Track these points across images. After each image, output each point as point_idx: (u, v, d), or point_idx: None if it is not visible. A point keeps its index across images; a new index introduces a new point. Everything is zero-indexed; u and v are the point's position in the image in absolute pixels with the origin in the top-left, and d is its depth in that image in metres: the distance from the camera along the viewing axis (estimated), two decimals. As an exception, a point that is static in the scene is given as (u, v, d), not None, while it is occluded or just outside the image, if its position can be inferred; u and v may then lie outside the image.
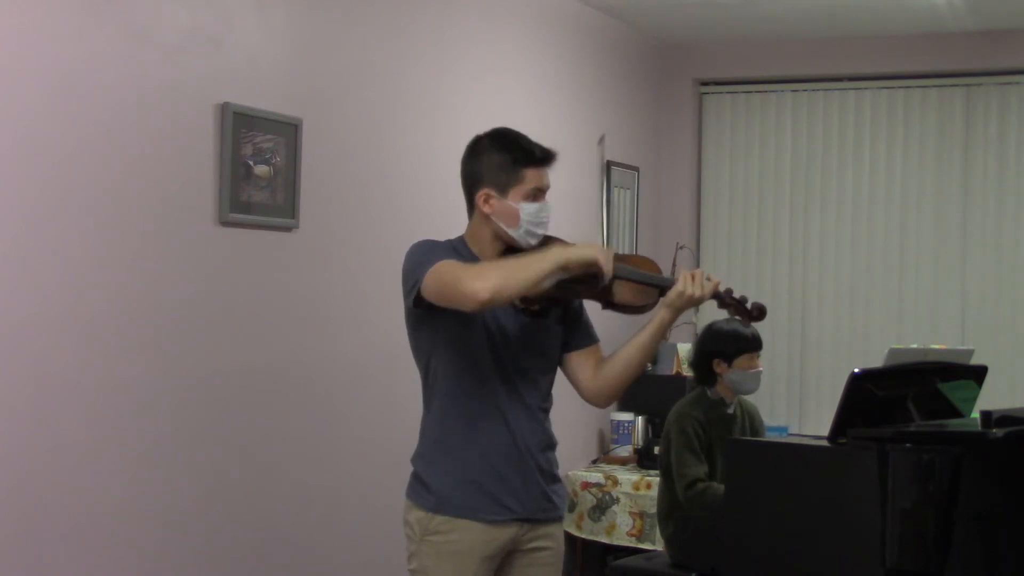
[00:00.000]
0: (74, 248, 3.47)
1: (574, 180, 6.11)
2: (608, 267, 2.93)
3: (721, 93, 7.25)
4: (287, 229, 4.25)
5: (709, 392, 4.88)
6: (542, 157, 3.06)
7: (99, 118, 3.53)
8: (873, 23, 6.53)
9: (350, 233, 4.58)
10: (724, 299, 3.08)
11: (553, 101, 6.04)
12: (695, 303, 3.04)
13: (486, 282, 2.80)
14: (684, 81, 7.22)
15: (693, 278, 3.02)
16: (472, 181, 3.09)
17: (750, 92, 7.16)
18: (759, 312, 3.11)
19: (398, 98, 4.85)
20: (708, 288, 3.02)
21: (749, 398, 5.09)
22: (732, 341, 4.84)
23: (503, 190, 3.04)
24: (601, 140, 3.49)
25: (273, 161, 4.15)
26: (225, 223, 3.97)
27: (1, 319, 3.26)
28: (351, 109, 4.57)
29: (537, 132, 3.19)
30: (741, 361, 4.83)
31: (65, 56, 3.42)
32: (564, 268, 2.90)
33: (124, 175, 3.62)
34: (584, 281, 2.97)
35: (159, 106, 3.73)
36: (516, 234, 3.04)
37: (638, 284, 3.04)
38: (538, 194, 3.05)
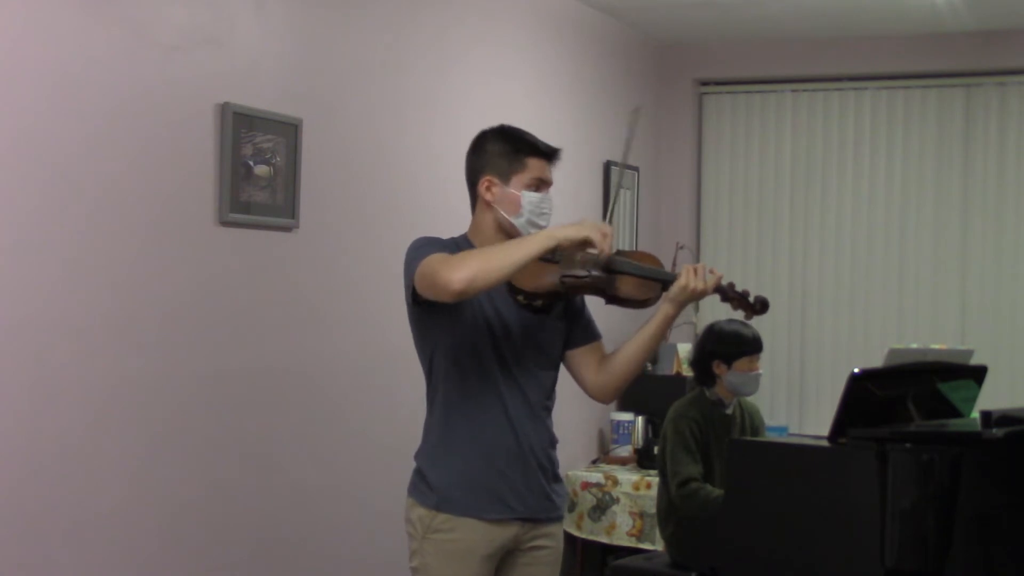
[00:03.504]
0: (74, 248, 3.47)
1: (574, 180, 6.11)
2: (605, 243, 2.87)
3: (721, 93, 7.24)
4: (287, 229, 4.25)
5: (708, 392, 4.87)
6: (546, 150, 3.08)
7: (99, 118, 3.53)
8: (873, 23, 6.53)
9: (350, 233, 4.58)
10: (727, 292, 3.06)
11: (553, 101, 6.04)
12: (698, 297, 3.02)
13: (460, 272, 2.77)
14: (684, 81, 7.22)
15: (695, 272, 3.01)
16: (475, 171, 3.10)
17: (750, 92, 7.16)
18: (762, 305, 3.08)
19: (398, 98, 4.85)
20: (711, 281, 3.01)
21: (749, 398, 5.08)
22: (732, 343, 4.82)
23: (505, 177, 3.04)
24: (636, 111, 3.43)
25: (273, 161, 4.15)
26: (225, 223, 3.97)
27: (1, 319, 3.26)
28: (351, 109, 4.57)
29: (537, 132, 3.18)
30: (741, 363, 4.81)
31: (65, 56, 3.42)
32: (556, 248, 2.86)
33: (124, 175, 3.62)
34: (581, 264, 2.94)
35: (159, 106, 3.73)
36: (518, 223, 3.04)
37: (641, 278, 3.04)
38: (541, 184, 3.06)
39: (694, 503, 4.59)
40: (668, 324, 3.08)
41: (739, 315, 3.19)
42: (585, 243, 2.88)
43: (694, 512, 4.60)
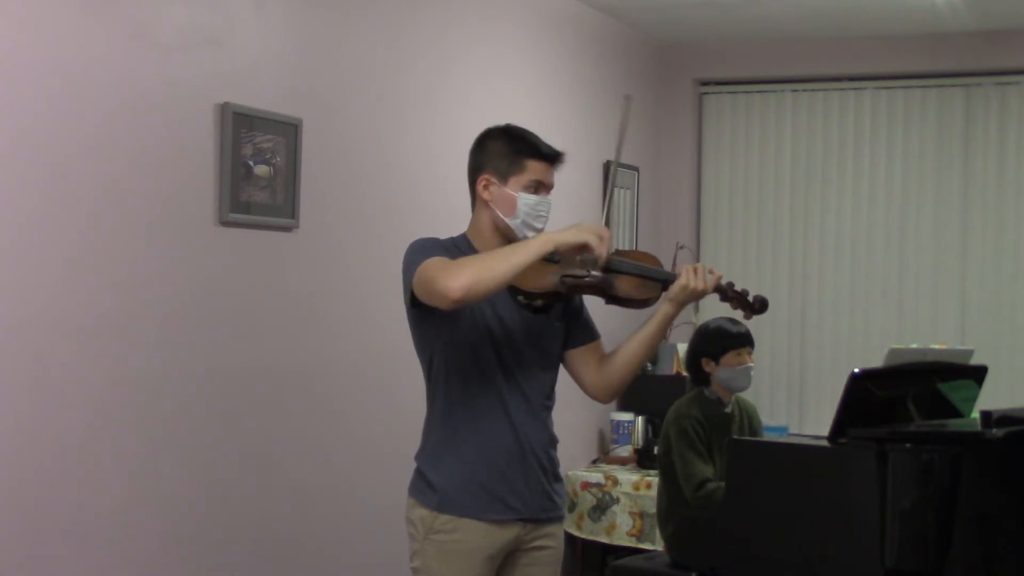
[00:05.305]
0: (74, 248, 3.47)
1: (574, 180, 6.11)
2: (602, 246, 2.88)
3: (721, 93, 7.24)
4: (287, 229, 4.25)
5: (707, 392, 4.88)
6: (548, 153, 3.06)
7: (99, 118, 3.53)
8: (873, 23, 6.53)
9: (350, 233, 4.58)
10: (726, 292, 3.08)
11: (553, 101, 6.04)
12: (698, 296, 3.04)
13: (457, 280, 2.77)
14: (684, 81, 7.22)
15: (695, 272, 3.02)
16: (475, 168, 3.10)
17: (750, 92, 7.16)
18: (761, 305, 3.10)
19: (398, 98, 4.85)
20: (711, 281, 3.02)
21: (748, 398, 5.08)
22: (717, 339, 4.84)
23: (503, 178, 3.04)
24: (627, 99, 3.34)
25: (273, 161, 4.15)
26: (225, 223, 3.97)
27: (1, 319, 3.26)
28: (351, 109, 4.57)
29: (537, 132, 3.18)
30: (728, 358, 4.82)
31: (65, 56, 3.42)
32: (553, 253, 2.87)
33: (124, 175, 3.62)
34: (580, 266, 2.95)
35: (159, 106, 3.73)
36: (513, 224, 3.04)
37: (641, 278, 3.05)
38: (539, 187, 3.05)
39: (713, 502, 4.58)
40: (668, 324, 3.10)
41: (739, 314, 3.21)
42: (583, 247, 2.89)
43: (714, 512, 4.60)
